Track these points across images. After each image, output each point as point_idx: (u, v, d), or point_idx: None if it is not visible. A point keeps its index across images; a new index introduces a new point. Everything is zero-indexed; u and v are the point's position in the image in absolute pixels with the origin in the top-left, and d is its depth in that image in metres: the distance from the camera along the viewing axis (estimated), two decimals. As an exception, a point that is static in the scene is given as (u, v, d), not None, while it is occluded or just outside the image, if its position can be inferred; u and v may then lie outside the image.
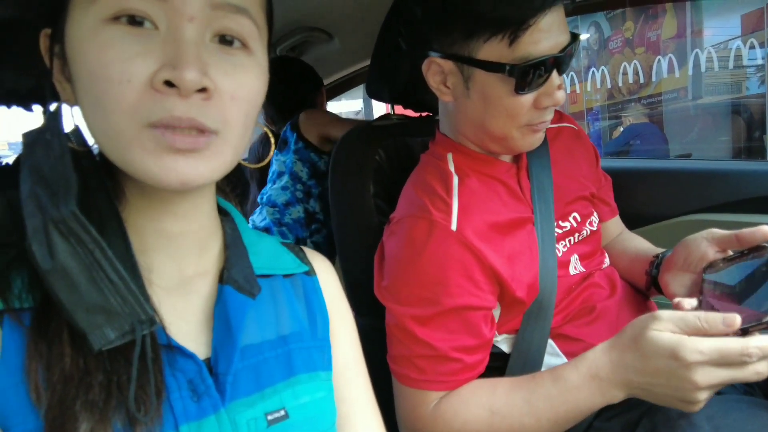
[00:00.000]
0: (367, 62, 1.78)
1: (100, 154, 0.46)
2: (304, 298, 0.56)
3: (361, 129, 1.07)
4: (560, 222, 0.84)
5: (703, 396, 0.57)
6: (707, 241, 0.74)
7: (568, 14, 0.72)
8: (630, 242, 1.00)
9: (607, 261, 0.92)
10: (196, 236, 0.50)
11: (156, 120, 0.39)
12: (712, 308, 0.65)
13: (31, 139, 0.42)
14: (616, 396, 0.63)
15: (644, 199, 1.29)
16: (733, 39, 4.12)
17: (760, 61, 3.94)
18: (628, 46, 4.91)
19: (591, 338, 0.80)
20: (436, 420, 0.72)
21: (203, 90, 0.40)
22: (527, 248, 0.78)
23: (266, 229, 1.46)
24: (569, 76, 5.24)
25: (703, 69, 4.25)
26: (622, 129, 4.71)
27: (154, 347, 0.41)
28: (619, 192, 1.03)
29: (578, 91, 5.41)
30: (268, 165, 1.68)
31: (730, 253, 0.73)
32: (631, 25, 4.86)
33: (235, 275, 0.49)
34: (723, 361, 0.55)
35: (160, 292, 0.46)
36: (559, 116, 0.95)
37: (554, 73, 0.70)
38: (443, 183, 0.78)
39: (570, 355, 0.80)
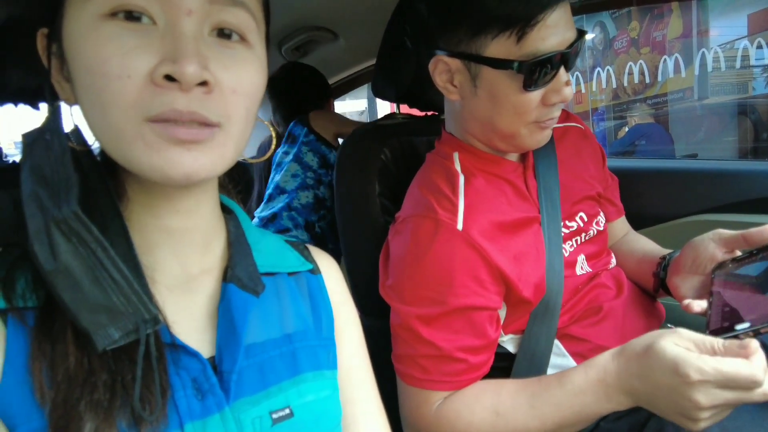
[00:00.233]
0: (372, 61, 1.78)
1: (101, 152, 0.46)
2: (309, 296, 0.56)
3: (367, 128, 1.07)
4: (567, 222, 0.84)
5: (705, 415, 0.55)
6: (714, 242, 0.74)
7: (573, 13, 0.72)
8: (636, 243, 0.99)
9: (613, 261, 0.92)
10: (200, 233, 0.50)
11: (157, 114, 0.39)
12: (723, 311, 0.65)
13: (31, 139, 0.42)
14: (622, 402, 0.63)
15: (650, 200, 1.28)
16: (739, 39, 4.09)
17: (767, 61, 3.92)
18: (633, 46, 4.89)
19: (597, 339, 0.80)
20: (440, 420, 0.72)
21: (204, 84, 0.40)
22: (534, 248, 0.77)
23: (274, 216, 1.46)
24: (574, 76, 5.22)
25: (709, 69, 4.23)
26: (627, 129, 4.68)
27: (158, 346, 0.41)
28: (626, 192, 1.03)
29: (583, 91, 5.39)
30: (271, 162, 1.69)
31: (739, 253, 0.72)
32: (637, 24, 4.84)
33: (238, 273, 0.49)
34: (728, 384, 0.53)
35: (163, 291, 0.46)
36: (566, 116, 0.95)
37: (562, 70, 0.70)
38: (449, 182, 0.78)
39: (576, 355, 0.79)
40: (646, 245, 0.98)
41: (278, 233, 1.43)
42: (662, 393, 0.58)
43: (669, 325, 0.90)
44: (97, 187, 0.44)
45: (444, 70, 0.76)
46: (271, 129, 0.60)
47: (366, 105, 6.82)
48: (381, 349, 0.73)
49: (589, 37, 5.20)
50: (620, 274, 0.90)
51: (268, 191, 1.54)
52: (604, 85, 5.20)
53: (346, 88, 1.99)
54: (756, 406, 0.68)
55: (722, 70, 4.18)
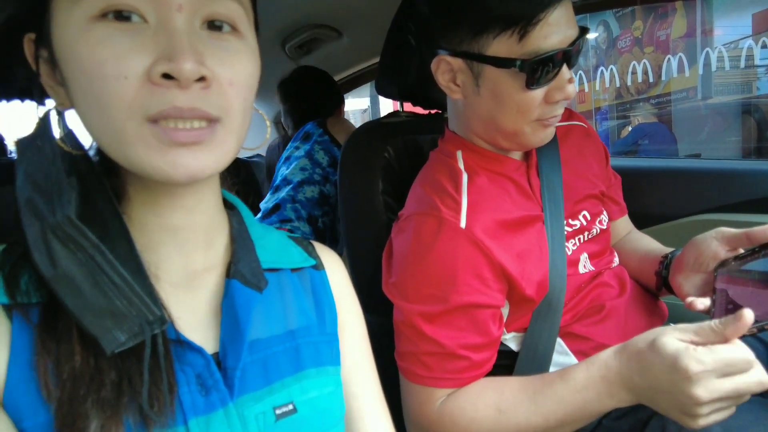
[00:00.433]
0: (376, 60, 1.78)
1: (99, 154, 0.45)
2: (312, 292, 0.56)
3: (371, 126, 1.07)
4: (570, 220, 0.84)
5: (705, 410, 0.55)
6: (717, 240, 0.74)
7: (576, 12, 0.72)
8: (639, 242, 0.99)
9: (616, 260, 0.92)
10: (203, 230, 0.50)
11: (157, 112, 0.39)
12: (727, 307, 0.65)
13: (23, 145, 0.42)
14: (624, 399, 0.63)
15: (653, 199, 1.28)
16: (744, 38, 4.08)
17: (771, 61, 3.90)
18: (637, 46, 4.88)
19: (600, 337, 0.80)
20: (443, 417, 0.72)
21: (202, 79, 0.39)
22: (537, 246, 0.78)
23: (276, 206, 1.46)
24: (577, 75, 5.21)
25: (713, 68, 4.22)
26: (630, 129, 4.67)
27: (165, 344, 0.41)
28: (628, 191, 1.03)
29: (587, 90, 5.38)
30: (273, 166, 1.69)
31: (741, 251, 0.72)
32: (641, 24, 4.83)
33: (242, 269, 0.49)
34: (725, 370, 0.54)
35: (167, 288, 0.46)
36: (569, 114, 0.95)
37: (564, 67, 0.70)
38: (453, 180, 0.78)
39: (579, 353, 0.80)
40: (648, 244, 0.98)
41: (281, 223, 1.42)
42: (662, 389, 0.58)
43: (671, 324, 0.90)
44: (95, 190, 0.44)
45: (446, 70, 0.76)
46: (268, 123, 0.60)
47: (369, 103, 6.82)
48: (383, 347, 0.73)
49: (592, 36, 5.19)
50: (623, 272, 0.90)
51: (275, 183, 1.55)
52: (607, 85, 5.19)
53: (349, 86, 1.99)
54: (759, 405, 0.68)
55: (726, 70, 4.17)
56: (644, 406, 0.68)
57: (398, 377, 0.78)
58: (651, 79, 4.75)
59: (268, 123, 0.59)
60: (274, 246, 0.56)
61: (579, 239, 0.85)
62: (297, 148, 1.57)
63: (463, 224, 0.73)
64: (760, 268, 0.66)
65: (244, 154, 2.17)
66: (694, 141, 4.43)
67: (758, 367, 0.55)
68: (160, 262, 0.46)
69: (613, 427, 0.75)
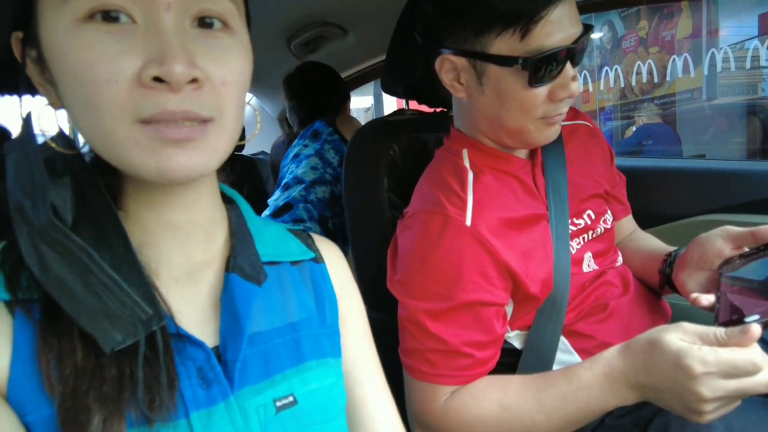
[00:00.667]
0: (381, 58, 1.78)
1: (93, 152, 0.45)
2: (312, 285, 0.56)
3: (376, 124, 1.07)
4: (574, 219, 0.84)
5: (710, 407, 0.56)
6: (722, 238, 0.74)
7: (581, 11, 0.72)
8: (642, 241, 1.00)
9: (620, 259, 0.92)
10: (202, 226, 0.50)
11: (149, 116, 0.38)
12: (732, 305, 0.65)
13: (10, 148, 0.41)
14: (629, 397, 0.63)
15: (658, 199, 1.28)
16: (750, 39, 4.06)
17: (777, 62, 3.89)
18: (642, 46, 4.86)
19: (603, 336, 0.80)
20: (447, 414, 0.73)
21: (193, 80, 0.39)
22: (541, 245, 0.78)
23: (288, 205, 1.45)
24: (582, 75, 5.19)
25: (718, 69, 4.20)
26: (634, 129, 4.66)
27: (164, 339, 0.41)
28: (633, 191, 1.03)
29: (591, 90, 5.37)
30: (278, 164, 1.68)
31: (746, 249, 0.72)
32: (646, 24, 4.81)
33: (241, 263, 0.49)
34: (729, 372, 0.54)
35: (169, 282, 0.46)
36: (575, 113, 0.95)
37: (568, 65, 0.70)
38: (458, 179, 0.78)
39: (582, 351, 0.80)
40: (651, 243, 0.98)
41: (293, 222, 1.41)
42: (667, 387, 0.58)
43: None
44: (90, 189, 0.44)
45: (450, 69, 0.76)
46: (258, 118, 0.60)
47: (372, 101, 6.82)
48: (387, 344, 0.74)
49: (597, 35, 5.17)
50: (627, 272, 0.90)
51: (284, 180, 1.53)
52: (612, 85, 5.17)
53: (354, 84, 1.99)
54: (761, 405, 0.69)
55: (732, 71, 4.15)
56: (647, 404, 0.68)
57: (401, 374, 0.78)
58: (656, 80, 4.73)
59: (258, 117, 0.59)
60: (273, 239, 0.56)
61: (583, 238, 0.85)
62: (305, 146, 1.56)
63: (468, 222, 0.73)
64: (765, 266, 0.66)
65: (248, 151, 2.18)
66: (699, 142, 4.41)
67: (766, 369, 0.55)
68: (160, 257, 0.46)
69: (615, 425, 0.75)
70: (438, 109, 1.15)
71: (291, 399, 0.47)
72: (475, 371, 0.74)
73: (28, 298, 0.41)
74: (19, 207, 0.39)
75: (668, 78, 4.64)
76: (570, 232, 0.82)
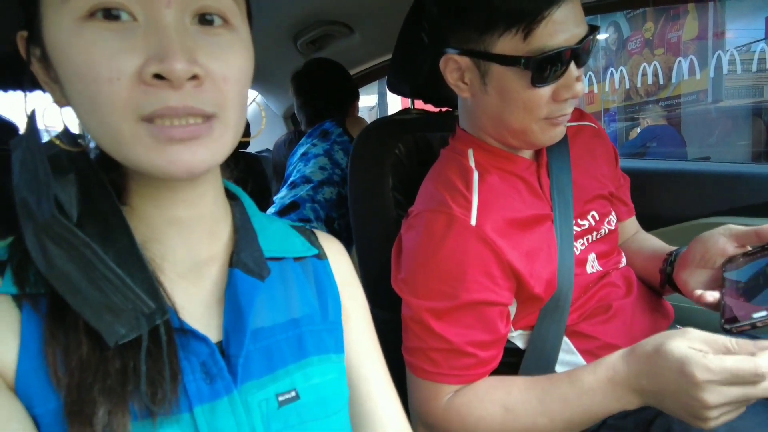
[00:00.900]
0: (386, 57, 1.78)
1: (98, 149, 0.46)
2: (315, 281, 0.56)
3: (382, 123, 1.07)
4: (579, 220, 0.84)
5: (714, 414, 0.55)
6: (725, 236, 0.74)
7: (587, 13, 0.72)
8: (645, 241, 1.00)
9: (624, 261, 0.92)
10: (206, 221, 0.50)
11: (151, 112, 0.39)
12: (737, 302, 0.65)
13: (16, 145, 0.42)
14: (632, 402, 0.63)
15: (661, 201, 1.28)
16: (756, 41, 4.04)
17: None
18: (647, 47, 4.85)
19: (606, 336, 0.81)
20: (449, 414, 0.73)
21: (194, 77, 0.39)
22: (545, 245, 0.78)
23: (294, 204, 1.45)
24: (587, 76, 5.18)
25: (724, 71, 4.18)
26: (639, 130, 4.65)
27: (168, 333, 0.42)
28: (636, 192, 1.03)
29: (596, 91, 5.36)
30: (279, 163, 1.68)
31: (749, 248, 0.72)
32: (652, 25, 4.79)
33: (244, 259, 0.50)
34: (733, 380, 0.54)
35: (174, 278, 0.47)
36: (580, 114, 0.95)
37: (572, 65, 0.70)
38: (463, 178, 0.78)
39: (585, 352, 0.80)
40: (654, 243, 0.98)
41: (300, 222, 1.41)
42: (670, 393, 0.58)
43: (678, 326, 0.90)
44: (94, 186, 0.44)
45: (455, 68, 0.76)
46: (263, 114, 0.60)
47: (377, 100, 6.82)
48: (390, 342, 0.74)
49: (602, 36, 5.16)
50: (630, 273, 0.91)
51: (292, 178, 1.53)
52: (617, 86, 5.16)
53: (360, 82, 2.00)
54: (764, 406, 0.69)
55: (738, 73, 4.14)
56: (650, 406, 0.68)
57: (404, 372, 0.79)
58: (661, 81, 4.72)
59: (263, 114, 0.59)
60: (276, 235, 0.56)
61: (587, 239, 0.85)
62: (314, 145, 1.56)
63: (473, 222, 0.73)
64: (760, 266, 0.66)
65: (253, 149, 2.18)
66: (704, 144, 4.39)
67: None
68: (165, 253, 0.47)
69: (618, 426, 0.76)
70: (443, 109, 1.15)
71: (293, 394, 0.48)
72: (478, 371, 0.74)
73: (36, 292, 0.41)
74: (24, 203, 0.40)
75: (673, 80, 4.62)
76: (574, 232, 0.82)
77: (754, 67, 4.04)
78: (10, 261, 0.42)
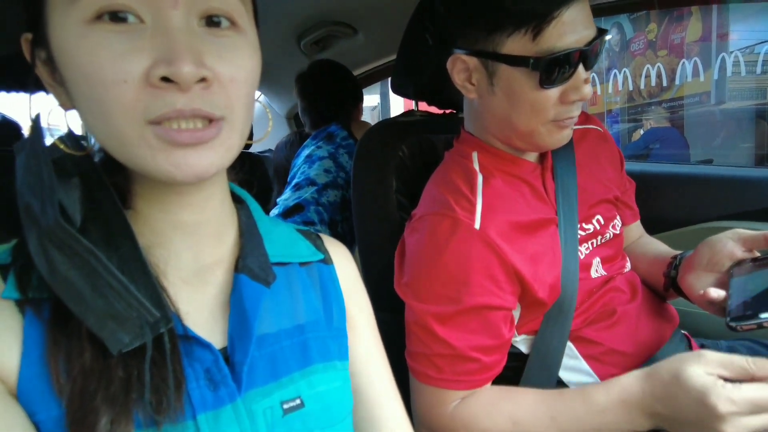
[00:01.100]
0: (390, 57, 1.78)
1: (103, 152, 0.45)
2: (320, 286, 0.56)
3: (385, 125, 1.07)
4: (584, 224, 0.84)
5: None
6: (733, 240, 0.74)
7: (593, 15, 0.71)
8: (649, 245, 0.99)
9: (628, 265, 0.92)
10: (212, 226, 0.50)
11: (158, 115, 0.38)
12: (744, 302, 0.64)
13: (19, 149, 0.42)
14: (643, 425, 0.63)
15: (665, 204, 1.28)
16: (760, 43, 4.03)
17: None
18: (650, 49, 4.83)
19: (610, 342, 0.80)
20: (455, 422, 0.73)
21: (202, 80, 0.39)
22: (550, 249, 0.77)
23: (299, 206, 1.45)
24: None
25: (728, 73, 4.16)
26: (642, 132, 4.64)
27: (172, 340, 0.41)
28: (640, 196, 1.02)
29: (599, 92, 5.34)
30: (280, 165, 1.67)
31: (757, 254, 0.72)
32: (655, 27, 4.77)
33: (250, 264, 0.49)
34: (755, 410, 0.54)
35: (178, 283, 0.46)
36: (585, 118, 0.94)
37: (580, 67, 0.69)
38: (467, 181, 0.78)
39: (588, 357, 0.80)
40: (658, 247, 0.98)
41: (304, 224, 1.41)
42: (688, 421, 0.58)
43: (682, 331, 0.90)
44: (99, 190, 0.44)
45: (462, 69, 0.76)
46: (269, 114, 0.60)
47: (379, 100, 6.81)
48: (393, 345, 0.74)
49: (606, 37, 5.14)
50: (635, 278, 0.90)
51: (296, 180, 1.53)
52: (620, 87, 5.15)
53: (363, 83, 1.99)
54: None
55: (742, 75, 4.12)
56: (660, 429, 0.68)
57: (406, 373, 0.78)
58: (664, 83, 4.70)
59: (269, 114, 0.59)
60: (282, 240, 0.56)
61: (592, 243, 0.85)
62: (319, 147, 1.55)
63: (477, 225, 0.73)
64: None
65: (254, 148, 2.18)
66: (707, 146, 4.38)
67: None
68: (170, 258, 0.46)
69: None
70: (447, 111, 1.15)
71: (298, 401, 0.47)
72: (482, 376, 0.74)
73: (38, 298, 0.41)
74: (28, 208, 0.39)
75: (677, 81, 4.61)
76: (579, 237, 0.81)
77: (758, 69, 4.02)
78: (13, 265, 0.42)
